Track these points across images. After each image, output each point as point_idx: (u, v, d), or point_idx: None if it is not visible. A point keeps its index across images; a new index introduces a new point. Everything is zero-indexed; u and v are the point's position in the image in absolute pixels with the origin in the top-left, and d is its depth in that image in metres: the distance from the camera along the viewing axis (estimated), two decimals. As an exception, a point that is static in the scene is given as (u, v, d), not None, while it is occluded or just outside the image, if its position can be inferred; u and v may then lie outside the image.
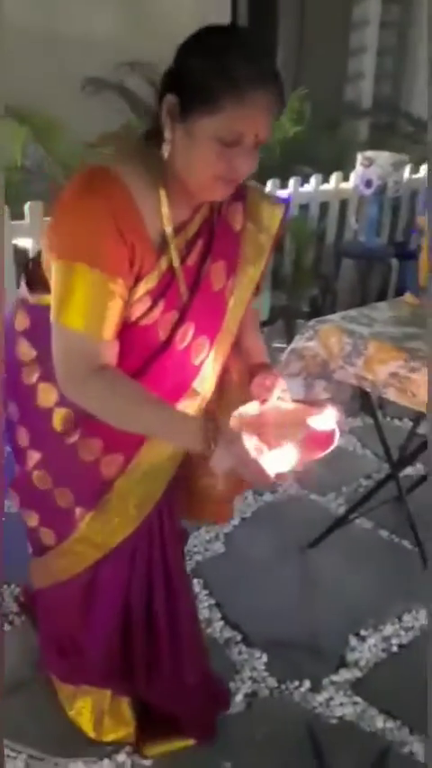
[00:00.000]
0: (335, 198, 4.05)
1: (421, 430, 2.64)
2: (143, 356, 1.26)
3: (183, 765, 1.57)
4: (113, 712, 1.62)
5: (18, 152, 3.14)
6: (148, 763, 1.59)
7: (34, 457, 1.40)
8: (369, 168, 3.68)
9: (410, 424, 2.63)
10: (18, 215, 2.68)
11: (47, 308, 1.20)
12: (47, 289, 1.21)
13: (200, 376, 1.35)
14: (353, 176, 3.88)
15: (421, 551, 2.06)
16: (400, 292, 2.57)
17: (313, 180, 3.88)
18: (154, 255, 1.20)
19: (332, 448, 1.26)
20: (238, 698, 1.76)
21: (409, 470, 2.75)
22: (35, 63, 3.41)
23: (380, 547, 2.39)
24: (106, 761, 1.59)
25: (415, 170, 4.52)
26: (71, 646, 1.56)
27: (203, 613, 2.01)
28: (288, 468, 1.18)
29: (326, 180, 3.98)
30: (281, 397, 1.36)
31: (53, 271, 1.15)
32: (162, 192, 1.18)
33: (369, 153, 3.74)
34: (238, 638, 1.95)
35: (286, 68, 5.46)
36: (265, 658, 1.89)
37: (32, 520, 1.46)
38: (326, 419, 1.29)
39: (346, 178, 4.01)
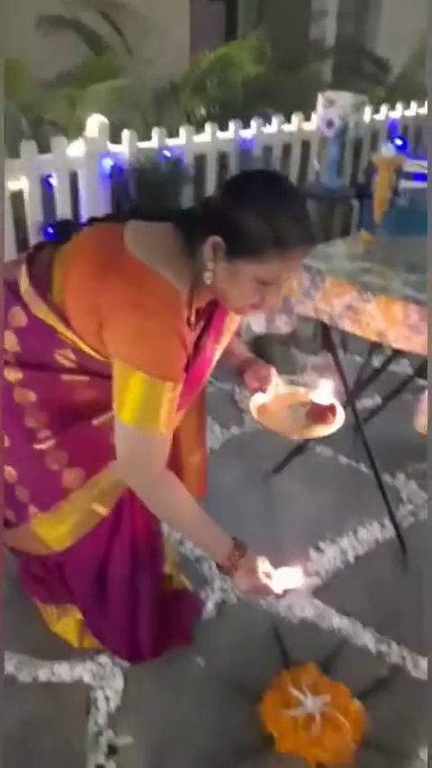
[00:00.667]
0: (297, 139, 4.09)
1: (375, 362, 2.80)
2: None
3: (160, 663, 1.73)
4: None
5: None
6: (127, 663, 1.75)
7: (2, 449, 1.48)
8: (330, 109, 3.72)
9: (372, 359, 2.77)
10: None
11: (49, 328, 1.35)
12: (56, 312, 1.35)
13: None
14: (314, 117, 3.92)
15: (375, 472, 2.22)
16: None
17: (275, 121, 3.91)
18: (191, 339, 1.35)
19: (341, 420, 1.65)
20: (210, 606, 1.93)
21: (368, 402, 2.92)
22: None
23: (339, 471, 2.56)
24: (89, 662, 1.74)
25: (376, 111, 4.56)
26: (48, 573, 1.70)
27: (174, 535, 2.16)
28: (294, 585, 1.49)
29: (287, 121, 4.01)
30: (277, 383, 1.67)
31: (120, 373, 1.27)
32: (195, 293, 1.30)
33: (330, 93, 3.77)
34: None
35: (249, 7, 5.38)
36: (233, 571, 2.05)
37: None
38: (324, 392, 1.67)
39: (308, 119, 4.04)
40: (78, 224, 1.57)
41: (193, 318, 1.32)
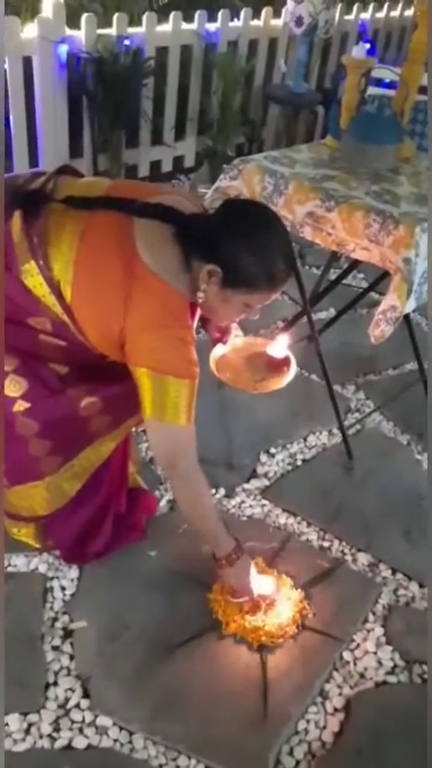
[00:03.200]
0: (264, 35, 3.91)
1: (332, 276, 2.82)
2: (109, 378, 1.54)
3: (114, 555, 1.80)
4: None
5: None
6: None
7: None
8: (300, 4, 3.55)
9: (330, 273, 2.78)
10: None
11: (34, 299, 1.39)
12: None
13: None
14: (284, 12, 3.73)
15: (327, 382, 2.28)
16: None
17: (243, 14, 3.72)
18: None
19: (293, 374, 1.77)
20: (162, 503, 2.00)
21: (323, 315, 2.96)
22: None
23: (292, 380, 2.61)
24: (45, 555, 1.80)
25: (347, 10, 4.37)
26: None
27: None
28: (267, 592, 1.68)
29: (256, 15, 3.81)
30: (236, 335, 1.80)
31: (147, 379, 1.37)
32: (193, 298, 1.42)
33: (301, -13, 3.59)
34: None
35: None
36: (185, 472, 2.12)
37: None
38: (279, 345, 1.79)
39: (277, 14, 3.85)
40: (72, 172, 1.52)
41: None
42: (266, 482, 2.13)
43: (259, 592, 1.67)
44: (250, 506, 2.03)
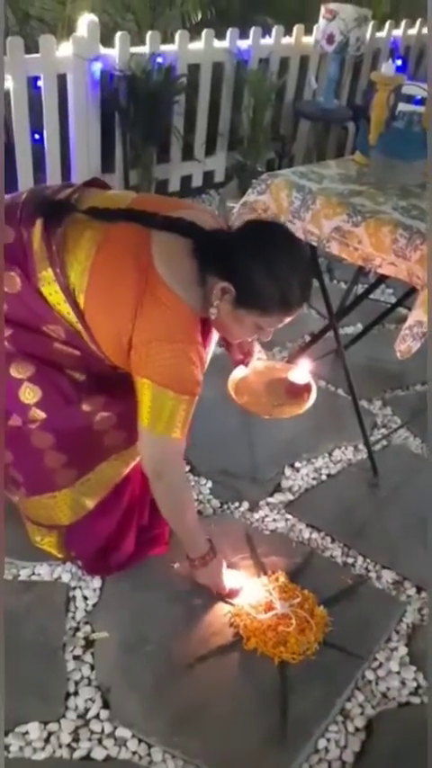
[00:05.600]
0: (295, 53, 3.94)
1: (359, 290, 2.81)
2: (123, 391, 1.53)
3: (137, 566, 1.80)
4: None
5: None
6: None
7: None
8: (332, 22, 3.57)
9: (357, 287, 2.77)
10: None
11: (49, 308, 1.42)
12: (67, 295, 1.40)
13: None
14: (315, 30, 3.76)
15: (353, 397, 2.26)
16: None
17: (274, 32, 3.75)
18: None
19: (312, 401, 1.77)
20: (185, 516, 2.00)
21: (350, 329, 2.95)
22: None
23: (318, 395, 2.59)
24: (69, 564, 1.81)
25: (379, 27, 4.39)
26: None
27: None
28: (238, 587, 1.73)
29: (288, 32, 3.85)
30: (259, 358, 1.80)
31: (148, 390, 1.39)
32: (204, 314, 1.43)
33: (333, 5, 3.61)
34: (186, 468, 2.17)
35: None
36: (209, 485, 2.12)
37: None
38: (301, 372, 1.79)
39: (308, 31, 3.88)
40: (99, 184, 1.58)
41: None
42: (290, 496, 2.12)
43: (231, 586, 1.72)
44: (274, 520, 2.02)
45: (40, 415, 1.52)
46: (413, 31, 4.73)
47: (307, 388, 1.78)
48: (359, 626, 1.73)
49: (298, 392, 1.78)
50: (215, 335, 1.59)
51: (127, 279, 1.36)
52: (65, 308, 1.41)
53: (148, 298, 1.34)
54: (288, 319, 1.42)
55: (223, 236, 1.42)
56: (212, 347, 1.62)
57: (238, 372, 1.79)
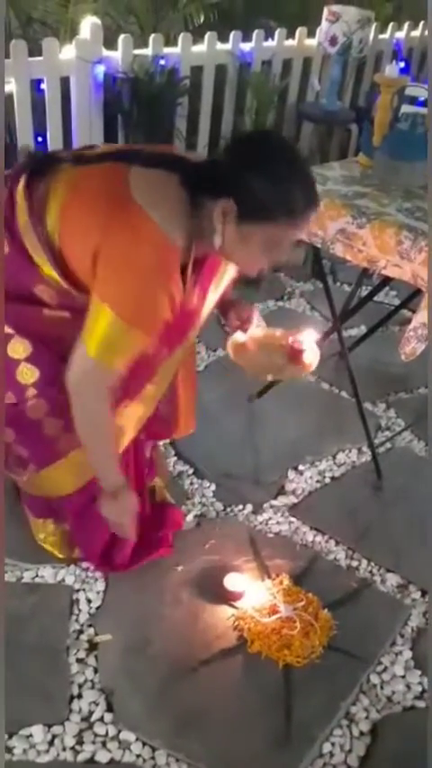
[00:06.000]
0: (298, 55, 3.94)
1: (363, 292, 2.81)
2: None
3: (141, 569, 1.80)
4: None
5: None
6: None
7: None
8: (335, 24, 3.56)
9: (361, 289, 2.77)
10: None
11: (33, 263, 1.36)
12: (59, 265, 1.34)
13: (156, 377, 1.55)
14: (318, 32, 3.75)
15: (357, 399, 2.26)
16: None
17: (277, 34, 3.75)
18: (180, 296, 1.34)
19: (315, 365, 1.66)
20: (189, 518, 2.00)
21: (353, 332, 2.94)
22: None
23: (321, 397, 2.60)
24: (72, 566, 1.81)
25: (382, 29, 4.38)
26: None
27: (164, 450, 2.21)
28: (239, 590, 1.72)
29: (290, 35, 3.84)
30: (258, 325, 1.69)
31: (97, 310, 1.27)
32: (194, 249, 1.31)
33: (335, 7, 3.60)
34: (190, 470, 2.17)
35: None
36: (213, 487, 2.11)
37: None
38: (305, 336, 1.69)
39: (311, 34, 3.87)
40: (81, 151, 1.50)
41: (189, 272, 1.34)
42: (294, 499, 2.11)
43: (233, 589, 1.70)
44: (278, 523, 2.02)
45: (35, 393, 1.50)
46: (416, 33, 4.73)
47: (310, 353, 1.69)
48: (364, 629, 1.72)
49: (298, 356, 1.69)
50: (216, 287, 1.50)
51: (98, 205, 1.28)
52: (44, 262, 1.36)
53: (117, 219, 1.25)
54: (298, 232, 1.29)
55: (211, 162, 1.34)
56: (212, 297, 1.51)
57: (238, 336, 1.70)
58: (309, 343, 1.71)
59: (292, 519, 2.04)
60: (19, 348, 1.47)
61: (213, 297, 1.51)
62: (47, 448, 1.57)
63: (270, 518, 2.03)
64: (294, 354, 1.70)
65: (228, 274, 1.52)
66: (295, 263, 3.46)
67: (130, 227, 1.24)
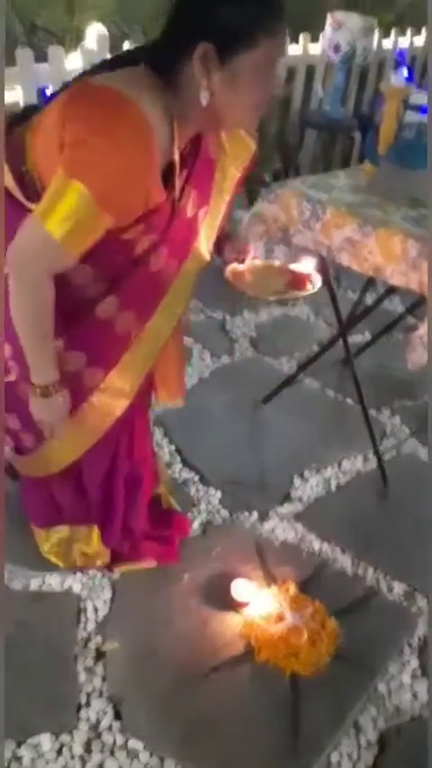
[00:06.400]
0: (302, 63, 3.95)
1: (370, 300, 2.81)
2: (117, 267, 1.34)
3: (147, 577, 1.80)
4: (89, 546, 1.78)
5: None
6: (117, 575, 1.82)
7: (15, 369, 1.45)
8: (338, 31, 3.58)
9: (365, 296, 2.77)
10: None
11: (17, 202, 1.26)
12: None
13: (168, 295, 1.47)
14: (321, 38, 3.77)
15: (362, 406, 2.26)
16: (362, 164, 2.62)
17: (281, 41, 3.76)
18: (161, 191, 1.25)
19: (318, 287, 1.58)
20: (195, 525, 2.00)
21: (358, 338, 2.94)
22: None
23: (326, 404, 2.61)
24: (79, 574, 1.81)
25: (385, 34, 4.40)
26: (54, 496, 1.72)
27: (164, 457, 2.21)
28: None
29: (294, 40, 3.86)
30: (255, 257, 1.61)
31: (58, 179, 1.15)
32: (175, 125, 1.22)
33: (339, 15, 3.62)
34: (196, 478, 2.17)
35: None
36: (219, 495, 2.12)
37: (14, 423, 1.55)
38: (305, 265, 1.62)
39: (315, 39, 3.89)
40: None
41: (177, 168, 1.27)
42: (300, 506, 2.11)
43: (239, 596, 1.71)
44: (284, 531, 2.02)
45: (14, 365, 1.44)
46: (420, 40, 4.75)
47: (309, 277, 1.62)
48: (370, 638, 1.72)
49: (300, 281, 1.62)
50: (220, 193, 1.44)
51: (60, 101, 1.20)
52: (19, 196, 1.29)
53: (82, 97, 1.17)
54: (281, 49, 1.21)
55: (168, 25, 1.24)
56: (217, 206, 1.44)
57: (236, 266, 1.61)
58: (310, 268, 1.65)
59: (298, 526, 2.04)
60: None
61: (218, 206, 1.45)
62: (71, 386, 1.46)
63: (276, 526, 2.03)
64: (297, 280, 1.62)
65: (229, 180, 1.46)
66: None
67: (98, 104, 1.15)
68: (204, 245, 1.47)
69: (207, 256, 1.50)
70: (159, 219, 1.31)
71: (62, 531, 1.78)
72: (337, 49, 3.59)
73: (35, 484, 1.71)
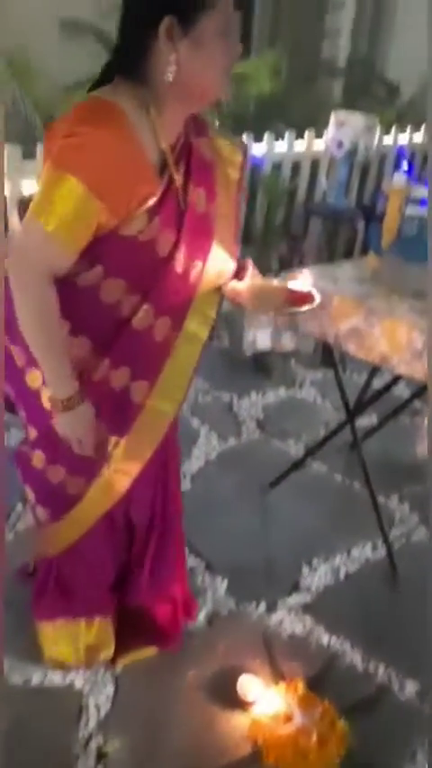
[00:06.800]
0: (307, 158, 4.14)
1: (376, 384, 2.84)
2: (145, 273, 1.37)
3: (151, 672, 1.75)
4: (97, 638, 1.74)
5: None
6: (118, 670, 1.76)
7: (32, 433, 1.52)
8: (341, 129, 3.76)
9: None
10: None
11: None
12: None
13: (194, 298, 1.48)
14: (325, 135, 3.96)
15: (371, 492, 2.25)
16: (364, 253, 2.71)
17: (287, 136, 3.95)
18: (155, 177, 1.30)
19: (316, 303, 1.59)
20: (201, 616, 1.95)
21: (364, 422, 2.95)
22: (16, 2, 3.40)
23: (333, 489, 2.59)
24: (81, 669, 1.76)
25: (386, 132, 4.62)
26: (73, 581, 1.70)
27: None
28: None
29: (299, 136, 4.05)
30: (254, 274, 1.62)
31: (46, 173, 1.21)
32: (153, 113, 1.27)
33: (342, 114, 3.82)
34: (201, 566, 2.14)
35: (262, 23, 5.44)
36: (225, 584, 2.08)
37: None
38: (303, 282, 1.63)
39: (319, 135, 4.09)
40: None
41: (164, 145, 1.30)
42: (308, 596, 2.07)
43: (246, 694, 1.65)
44: (291, 623, 1.97)
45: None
46: (418, 135, 4.98)
47: (309, 295, 1.62)
48: (382, 740, 1.65)
49: (299, 300, 1.62)
50: (227, 190, 1.48)
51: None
52: None
53: (62, 117, 1.26)
54: (237, 6, 1.25)
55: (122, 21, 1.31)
56: (226, 204, 1.48)
57: (234, 284, 1.61)
58: (307, 285, 1.67)
59: (306, 618, 1.99)
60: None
61: (226, 203, 1.48)
62: (123, 408, 1.48)
63: (284, 618, 1.98)
64: (296, 298, 1.62)
65: (230, 181, 1.50)
66: (305, 351, 3.52)
67: (80, 106, 1.24)
68: (222, 248, 1.48)
69: (229, 259, 1.52)
70: (168, 213, 1.33)
71: (69, 627, 1.73)
72: (340, 145, 3.77)
73: (47, 569, 1.70)
